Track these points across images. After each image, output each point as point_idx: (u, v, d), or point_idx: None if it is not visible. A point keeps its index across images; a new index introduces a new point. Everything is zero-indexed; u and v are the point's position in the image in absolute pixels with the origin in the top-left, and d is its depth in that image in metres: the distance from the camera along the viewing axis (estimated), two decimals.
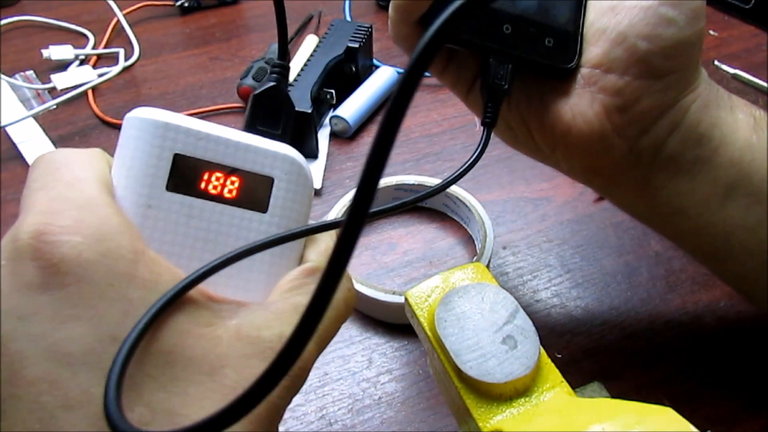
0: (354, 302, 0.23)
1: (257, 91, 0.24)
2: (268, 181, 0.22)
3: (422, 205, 0.46)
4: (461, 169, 0.29)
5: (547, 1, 0.30)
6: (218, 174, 0.21)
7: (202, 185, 0.21)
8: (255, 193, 0.22)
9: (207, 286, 0.21)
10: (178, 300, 0.19)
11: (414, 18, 0.29)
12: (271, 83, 0.24)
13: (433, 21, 0.28)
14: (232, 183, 0.22)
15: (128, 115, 0.21)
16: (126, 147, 0.21)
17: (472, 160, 0.30)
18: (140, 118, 0.21)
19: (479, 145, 0.30)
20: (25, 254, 0.18)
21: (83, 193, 0.19)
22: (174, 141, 0.21)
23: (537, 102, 0.31)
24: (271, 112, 0.24)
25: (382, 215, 0.26)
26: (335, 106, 0.53)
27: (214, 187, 0.21)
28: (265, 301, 0.21)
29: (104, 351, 0.17)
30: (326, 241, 0.24)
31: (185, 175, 0.21)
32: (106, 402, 0.16)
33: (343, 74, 0.55)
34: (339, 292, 0.22)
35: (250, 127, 0.24)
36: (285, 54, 0.24)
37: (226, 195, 0.22)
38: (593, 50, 0.29)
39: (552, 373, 0.26)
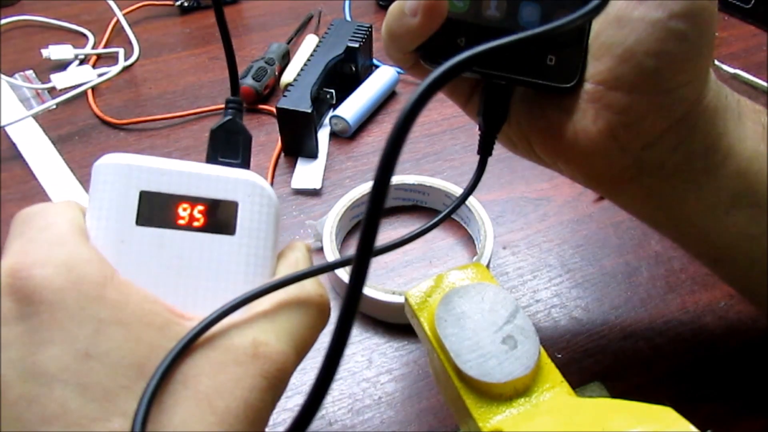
0: (328, 308, 0.24)
1: (214, 127, 0.26)
2: (233, 206, 0.23)
3: (422, 205, 0.46)
4: (456, 202, 0.30)
5: (549, 13, 0.27)
6: (185, 205, 0.23)
7: (171, 217, 0.23)
8: (221, 218, 0.23)
9: (180, 308, 0.22)
10: (144, 318, 0.20)
11: (408, 50, 0.28)
12: (228, 117, 0.26)
13: (426, 52, 0.27)
14: (199, 211, 0.23)
15: (95, 164, 0.23)
16: (96, 192, 0.23)
17: (467, 189, 0.30)
18: (106, 164, 0.23)
19: (475, 175, 0.30)
20: (4, 292, 0.19)
21: (53, 234, 0.21)
22: (138, 180, 0.23)
23: (539, 117, 0.30)
24: (229, 143, 0.26)
25: (396, 247, 0.28)
26: (335, 106, 0.53)
27: (182, 217, 0.23)
28: (235, 313, 0.22)
29: (79, 366, 0.19)
30: (295, 255, 0.25)
31: (153, 209, 0.23)
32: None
33: (343, 74, 0.55)
34: (311, 299, 0.23)
35: (212, 160, 0.26)
36: (236, 89, 0.27)
37: (195, 223, 0.23)
38: (597, 66, 0.27)
39: (552, 373, 0.25)
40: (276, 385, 0.21)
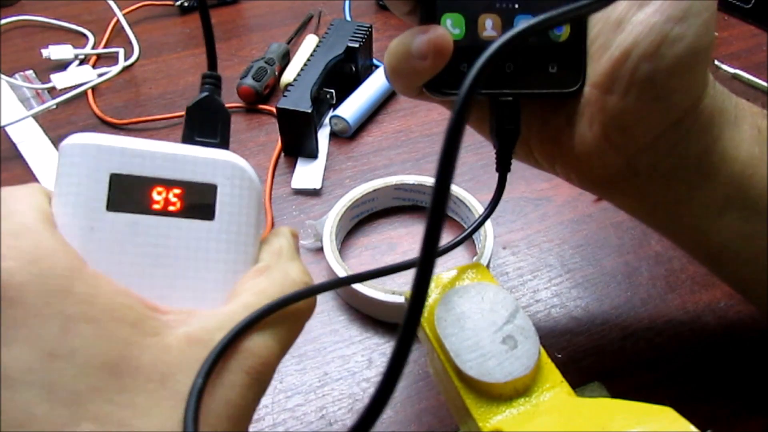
0: (314, 302, 0.23)
1: (190, 104, 0.24)
2: (211, 189, 0.22)
3: (422, 205, 0.46)
4: (480, 218, 0.30)
5: None
6: (159, 188, 0.21)
7: (145, 201, 0.21)
8: (199, 202, 0.22)
9: (157, 300, 0.20)
10: (115, 313, 0.19)
11: (416, 86, 0.28)
12: (204, 93, 0.24)
13: (431, 83, 0.28)
14: (175, 195, 0.22)
15: (62, 144, 0.21)
16: (62, 175, 0.21)
17: (490, 206, 0.30)
18: (72, 145, 0.21)
19: (496, 192, 0.30)
20: None
21: (16, 223, 0.19)
22: (108, 161, 0.21)
23: (538, 122, 0.30)
24: (207, 121, 0.24)
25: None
26: (335, 106, 0.53)
27: (157, 202, 0.21)
28: (218, 307, 0.21)
29: (44, 368, 0.17)
30: (279, 242, 0.24)
31: (125, 193, 0.21)
32: None
33: (343, 74, 0.55)
34: (296, 288, 0.22)
35: (188, 140, 0.24)
36: (214, 64, 0.25)
37: (171, 208, 0.21)
38: (595, 68, 0.27)
39: (552, 373, 0.26)
40: (259, 380, 0.20)
